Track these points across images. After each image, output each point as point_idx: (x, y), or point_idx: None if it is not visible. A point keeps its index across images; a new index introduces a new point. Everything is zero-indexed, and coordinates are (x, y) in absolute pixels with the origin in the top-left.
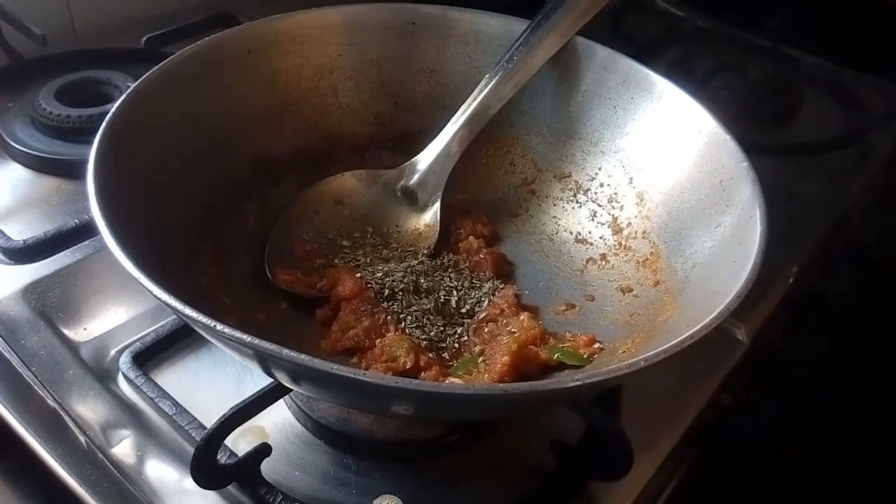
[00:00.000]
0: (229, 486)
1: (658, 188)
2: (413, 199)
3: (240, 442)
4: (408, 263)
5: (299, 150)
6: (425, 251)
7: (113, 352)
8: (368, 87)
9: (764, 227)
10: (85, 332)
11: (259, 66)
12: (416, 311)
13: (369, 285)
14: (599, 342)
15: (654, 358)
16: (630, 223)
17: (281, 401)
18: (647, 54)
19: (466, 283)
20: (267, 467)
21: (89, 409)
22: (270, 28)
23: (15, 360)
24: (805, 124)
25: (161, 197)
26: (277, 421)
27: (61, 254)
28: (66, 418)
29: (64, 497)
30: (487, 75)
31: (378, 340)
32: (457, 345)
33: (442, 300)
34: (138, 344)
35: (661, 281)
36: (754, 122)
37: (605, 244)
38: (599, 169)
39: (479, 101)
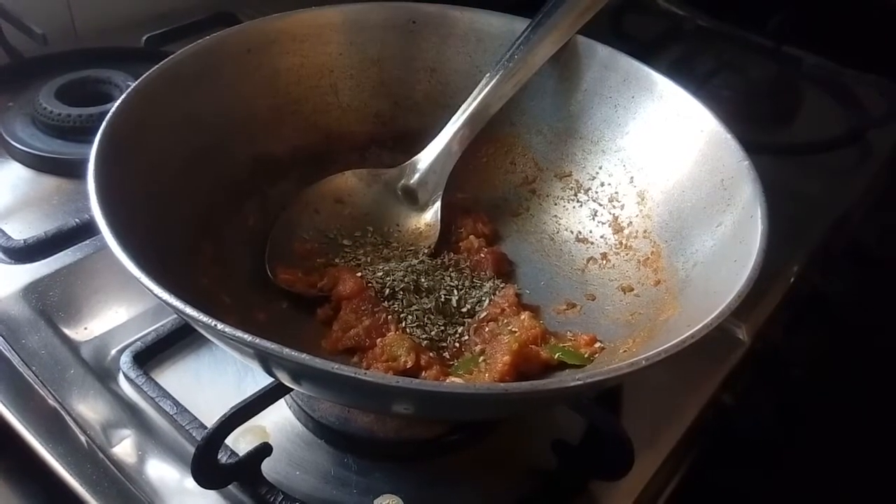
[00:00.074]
0: (230, 486)
1: (659, 187)
2: (414, 199)
3: (240, 441)
4: (408, 263)
5: (300, 149)
6: (426, 250)
7: (113, 351)
8: (369, 85)
9: (765, 227)
10: (85, 331)
11: (259, 65)
12: (416, 310)
13: (370, 284)
14: (600, 341)
15: (655, 357)
16: (631, 222)
17: (282, 400)
18: (647, 53)
19: (467, 283)
20: (267, 467)
21: (90, 409)
22: (271, 27)
23: (15, 360)
24: (806, 124)
25: (161, 196)
26: (278, 420)
27: (62, 253)
28: (67, 418)
29: (64, 496)
30: (488, 74)
31: (379, 340)
32: (457, 344)
33: (443, 299)
34: (139, 343)
35: (661, 280)
36: (755, 121)
37: (606, 243)
38: (600, 168)
39: (479, 99)
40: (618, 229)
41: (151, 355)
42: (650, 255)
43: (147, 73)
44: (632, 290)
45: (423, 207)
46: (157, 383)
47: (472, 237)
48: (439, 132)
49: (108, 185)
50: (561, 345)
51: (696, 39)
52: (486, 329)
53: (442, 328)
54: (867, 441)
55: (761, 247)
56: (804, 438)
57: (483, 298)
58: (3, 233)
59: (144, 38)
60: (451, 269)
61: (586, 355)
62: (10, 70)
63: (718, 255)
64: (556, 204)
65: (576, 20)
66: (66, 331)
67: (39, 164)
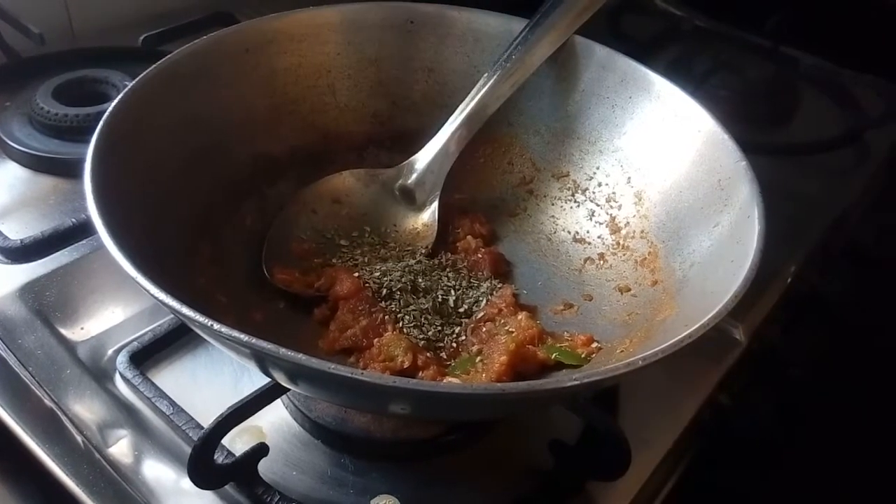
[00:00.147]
0: (226, 486)
1: (656, 187)
2: (411, 199)
3: (237, 442)
4: (406, 263)
5: (297, 149)
6: (423, 250)
7: (110, 351)
8: (366, 85)
9: (762, 227)
10: (82, 331)
11: (257, 65)
12: (413, 310)
13: (367, 285)
14: (597, 342)
15: (652, 357)
16: (628, 222)
17: (278, 400)
18: (645, 54)
19: (464, 283)
20: (264, 467)
21: (86, 409)
22: (268, 27)
23: (12, 360)
24: (803, 124)
25: (158, 196)
26: (275, 420)
27: (58, 253)
28: (63, 418)
29: (61, 497)
30: (486, 74)
31: (376, 340)
32: (454, 344)
33: (440, 300)
34: (135, 343)
35: (659, 280)
36: (752, 121)
37: (604, 243)
38: (598, 168)
39: (477, 100)
40: (615, 229)
41: (148, 355)
42: (647, 256)
43: (144, 73)
44: (629, 290)
45: (420, 207)
46: (153, 383)
47: (469, 237)
48: (437, 132)
49: (104, 184)
50: (558, 345)
51: (694, 40)
52: (484, 329)
53: (439, 328)
54: (866, 441)
55: (758, 247)
56: (802, 439)
57: (480, 299)
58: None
59: (142, 37)
60: (448, 270)
61: (583, 355)
62: (7, 70)
63: (716, 255)
64: (553, 204)
65: (573, 20)
66: (63, 331)
67: (36, 163)
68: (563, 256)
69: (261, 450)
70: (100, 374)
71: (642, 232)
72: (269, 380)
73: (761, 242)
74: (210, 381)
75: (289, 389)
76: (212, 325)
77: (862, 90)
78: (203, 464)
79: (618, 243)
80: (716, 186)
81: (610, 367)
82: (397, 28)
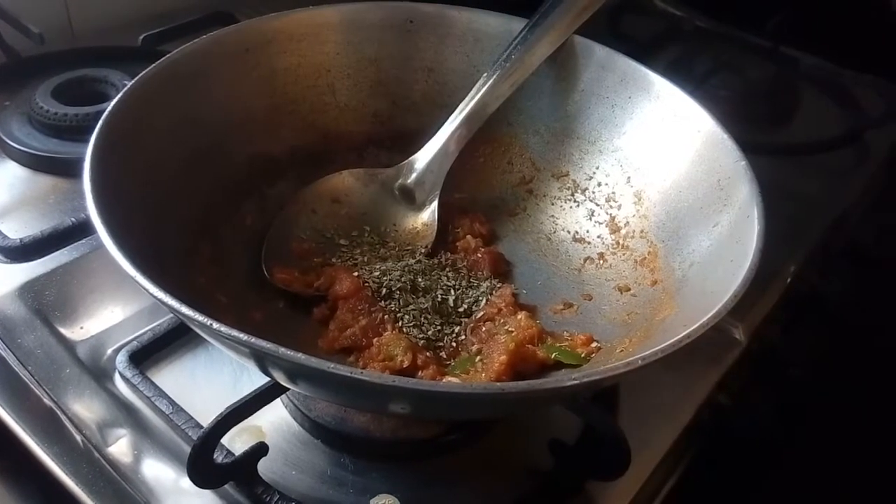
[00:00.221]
0: (226, 486)
1: (656, 187)
2: (411, 198)
3: (236, 441)
4: (405, 262)
5: (297, 149)
6: (423, 250)
7: (109, 351)
8: (366, 85)
9: (762, 227)
10: (81, 330)
11: (256, 65)
12: (413, 310)
13: (367, 284)
14: (597, 341)
15: (652, 357)
16: (628, 222)
17: (278, 400)
18: (645, 54)
19: (464, 282)
20: (264, 466)
21: (86, 408)
22: (268, 26)
23: (11, 359)
24: (803, 124)
25: (158, 196)
26: (274, 420)
27: (58, 252)
28: (63, 417)
29: (60, 496)
30: (485, 74)
31: (375, 339)
32: (454, 344)
33: (439, 299)
34: (135, 343)
35: (658, 280)
36: (752, 121)
37: (603, 243)
38: (597, 168)
39: (476, 99)
40: (615, 229)
41: (147, 355)
42: (647, 255)
43: (144, 73)
44: (628, 289)
45: (420, 207)
46: (153, 383)
47: (469, 237)
48: (436, 132)
49: (104, 184)
50: (557, 344)
51: (694, 40)
52: (483, 329)
53: (439, 328)
54: (865, 441)
55: (758, 247)
56: (802, 439)
57: (480, 298)
58: None
59: (141, 37)
60: (448, 269)
61: (583, 355)
62: (6, 69)
63: (715, 255)
64: (553, 204)
65: (573, 20)
66: (62, 330)
67: (36, 163)
68: (563, 256)
69: (260, 449)
70: (99, 374)
71: (642, 232)
72: (268, 379)
73: (761, 242)
74: (210, 380)
75: (288, 389)
76: (211, 325)
77: (862, 90)
78: (202, 463)
79: (617, 243)
80: (715, 186)
81: (610, 366)
82: (397, 28)
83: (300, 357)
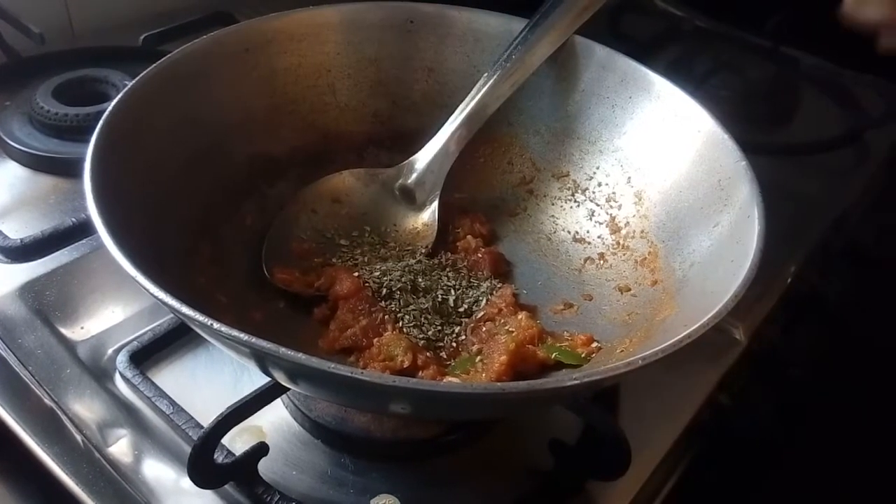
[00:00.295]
0: (226, 486)
1: (656, 187)
2: (411, 198)
3: (237, 441)
4: (406, 262)
5: (297, 149)
6: (423, 250)
7: (110, 351)
8: (366, 85)
9: (762, 227)
10: (82, 330)
11: (256, 65)
12: (413, 310)
13: (367, 284)
14: (597, 341)
15: (652, 357)
16: (628, 222)
17: (278, 400)
18: (645, 54)
19: (464, 283)
20: (264, 466)
21: (86, 408)
22: (268, 26)
23: (12, 359)
24: (803, 124)
25: (158, 196)
26: (275, 420)
27: (58, 252)
28: (63, 417)
29: (61, 496)
30: (486, 74)
31: (376, 339)
32: (454, 344)
33: (440, 299)
34: (135, 343)
35: (659, 280)
36: (753, 121)
37: (603, 243)
38: (597, 168)
39: (477, 99)
40: (615, 229)
41: (148, 355)
42: (647, 256)
43: (144, 73)
44: (629, 290)
45: (420, 207)
46: (153, 383)
47: (469, 237)
48: (437, 132)
49: (104, 184)
50: (558, 345)
51: (694, 40)
52: (484, 329)
53: (439, 328)
54: (865, 441)
55: (758, 247)
56: (802, 439)
57: (480, 298)
58: (0, 232)
59: (142, 37)
60: (448, 269)
61: (583, 355)
62: (7, 69)
63: (715, 255)
64: (553, 204)
65: (573, 20)
66: (63, 330)
67: (36, 163)
68: (563, 256)
69: (261, 449)
70: (100, 374)
71: (642, 232)
72: (268, 379)
73: (761, 242)
74: (210, 380)
75: (288, 389)
76: (212, 325)
77: (862, 90)
78: (203, 463)
79: (618, 243)
80: (716, 186)
81: (610, 366)
82: (397, 28)
83: (301, 357)
